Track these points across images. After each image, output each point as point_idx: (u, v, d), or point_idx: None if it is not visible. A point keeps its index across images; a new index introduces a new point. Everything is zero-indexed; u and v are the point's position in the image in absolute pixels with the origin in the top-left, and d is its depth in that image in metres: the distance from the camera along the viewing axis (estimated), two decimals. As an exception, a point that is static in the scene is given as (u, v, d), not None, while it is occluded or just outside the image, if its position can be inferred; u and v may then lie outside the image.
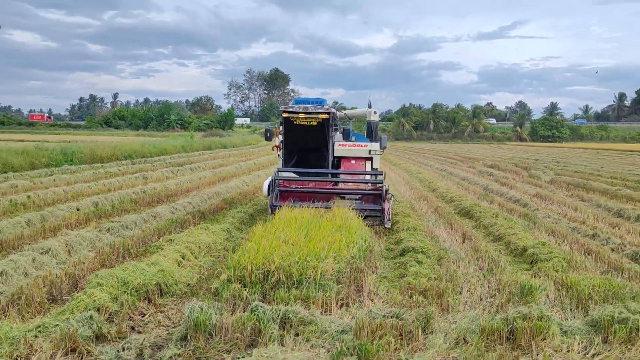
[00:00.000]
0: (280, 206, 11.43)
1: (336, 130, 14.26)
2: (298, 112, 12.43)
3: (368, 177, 13.62)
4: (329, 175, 13.44)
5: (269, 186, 12.29)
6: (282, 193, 12.49)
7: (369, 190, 12.61)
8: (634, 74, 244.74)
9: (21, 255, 8.66)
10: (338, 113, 14.66)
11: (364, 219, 11.24)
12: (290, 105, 12.79)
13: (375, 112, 15.37)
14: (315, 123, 12.51)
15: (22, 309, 6.65)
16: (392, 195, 12.47)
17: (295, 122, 12.60)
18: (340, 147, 13.91)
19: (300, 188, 12.80)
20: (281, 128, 13.38)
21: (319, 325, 6.09)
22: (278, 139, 13.89)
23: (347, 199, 12.47)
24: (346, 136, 13.88)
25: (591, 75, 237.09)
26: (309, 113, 12.37)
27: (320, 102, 12.99)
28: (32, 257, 8.62)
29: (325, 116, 12.41)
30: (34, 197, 15.53)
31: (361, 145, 14.11)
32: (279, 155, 14.16)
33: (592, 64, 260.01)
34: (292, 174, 13.22)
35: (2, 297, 7.10)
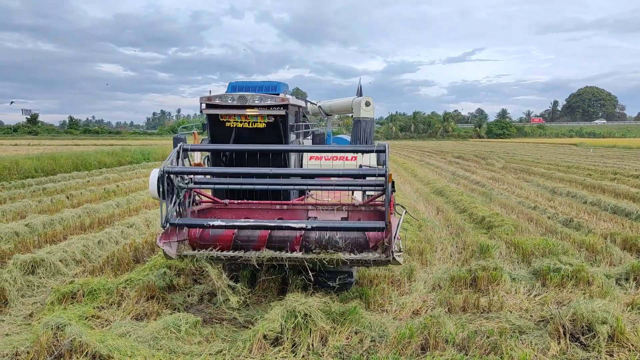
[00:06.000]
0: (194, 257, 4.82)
1: (305, 134, 7.18)
2: (230, 107, 5.48)
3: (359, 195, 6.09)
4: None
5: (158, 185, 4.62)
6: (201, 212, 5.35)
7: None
8: (564, 86, 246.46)
9: (113, 228, 8.77)
10: (309, 105, 7.86)
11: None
12: (219, 93, 5.64)
13: (368, 104, 7.59)
14: (263, 125, 5.57)
15: (114, 267, 6.75)
16: (403, 207, 5.44)
17: (227, 124, 5.61)
18: (312, 161, 6.88)
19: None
20: (205, 134, 6.05)
21: (331, 277, 6.07)
22: (200, 155, 6.22)
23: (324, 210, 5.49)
24: (320, 144, 6.67)
25: (532, 87, 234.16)
26: (251, 107, 5.44)
27: (273, 86, 6.16)
28: (121, 230, 8.72)
29: (281, 111, 5.51)
30: (122, 186, 15.67)
31: (346, 159, 6.84)
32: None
33: (532, 79, 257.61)
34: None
35: (100, 259, 7.22)
